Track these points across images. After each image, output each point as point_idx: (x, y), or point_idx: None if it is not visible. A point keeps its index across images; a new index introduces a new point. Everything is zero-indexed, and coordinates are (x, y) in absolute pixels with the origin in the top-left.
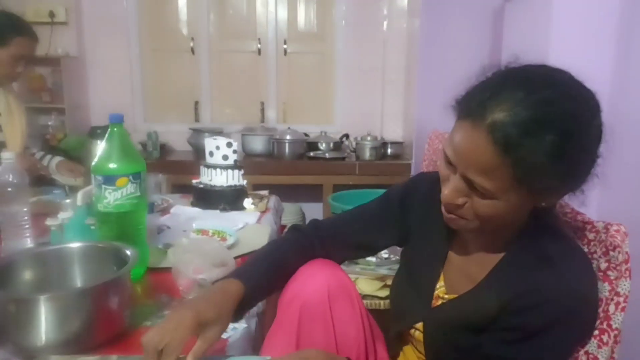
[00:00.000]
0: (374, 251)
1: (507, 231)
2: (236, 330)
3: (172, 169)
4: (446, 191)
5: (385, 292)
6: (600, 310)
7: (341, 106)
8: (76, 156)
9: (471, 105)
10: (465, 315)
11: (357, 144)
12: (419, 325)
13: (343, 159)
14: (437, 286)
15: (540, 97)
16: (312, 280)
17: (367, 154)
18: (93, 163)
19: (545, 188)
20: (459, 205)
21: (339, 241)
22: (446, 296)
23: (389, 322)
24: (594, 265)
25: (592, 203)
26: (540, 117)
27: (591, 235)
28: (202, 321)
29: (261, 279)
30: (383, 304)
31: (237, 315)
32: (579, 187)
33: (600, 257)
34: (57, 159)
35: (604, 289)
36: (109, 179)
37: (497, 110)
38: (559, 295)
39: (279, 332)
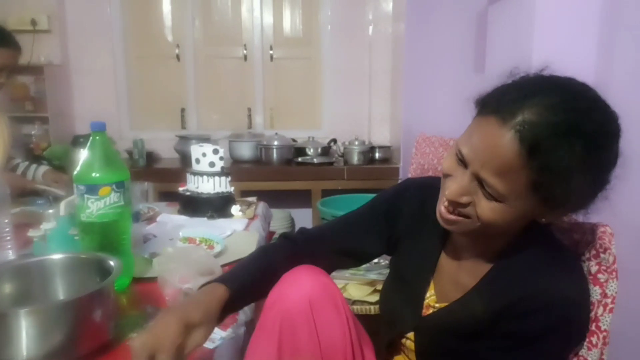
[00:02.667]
0: (363, 259)
1: (500, 240)
2: (223, 339)
3: (159, 176)
4: (452, 187)
5: (375, 297)
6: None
7: (328, 111)
8: (60, 165)
9: (501, 102)
10: (456, 323)
11: (345, 148)
12: (410, 334)
13: (331, 164)
14: (428, 295)
15: (576, 105)
16: (294, 287)
17: (355, 159)
18: (75, 172)
19: (557, 201)
20: (461, 204)
21: (327, 249)
22: (437, 305)
23: (380, 328)
24: (584, 269)
25: None
26: (573, 124)
27: (577, 237)
28: (189, 324)
29: (246, 283)
30: (373, 309)
31: (220, 318)
32: (584, 206)
33: (589, 259)
34: (43, 168)
35: (595, 292)
36: (92, 189)
37: (530, 111)
38: (552, 303)
39: (261, 339)
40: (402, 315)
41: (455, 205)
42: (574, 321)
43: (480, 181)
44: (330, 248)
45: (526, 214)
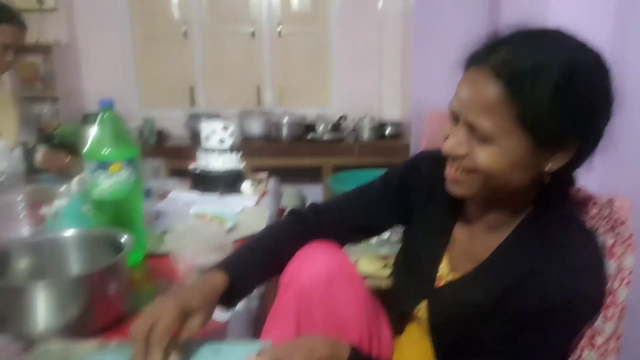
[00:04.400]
0: (375, 233)
1: (513, 204)
2: (236, 313)
3: (170, 154)
4: (448, 142)
5: (387, 272)
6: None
7: (338, 87)
8: (72, 145)
9: (478, 52)
10: (468, 296)
11: (355, 125)
12: (423, 305)
13: (342, 140)
14: (441, 267)
15: (549, 42)
16: (310, 263)
17: (365, 135)
18: (85, 149)
19: (549, 138)
20: (460, 157)
21: (339, 224)
22: (450, 277)
23: (392, 302)
24: (600, 242)
25: (594, 175)
26: (547, 58)
27: (594, 211)
28: (186, 309)
29: (248, 268)
30: (385, 284)
31: (229, 305)
32: (586, 149)
33: (605, 233)
34: (42, 150)
35: (611, 266)
36: (103, 165)
37: (505, 50)
38: (564, 278)
39: (278, 316)
40: (415, 287)
41: (455, 160)
42: (587, 296)
43: (471, 128)
44: (342, 223)
45: (524, 159)
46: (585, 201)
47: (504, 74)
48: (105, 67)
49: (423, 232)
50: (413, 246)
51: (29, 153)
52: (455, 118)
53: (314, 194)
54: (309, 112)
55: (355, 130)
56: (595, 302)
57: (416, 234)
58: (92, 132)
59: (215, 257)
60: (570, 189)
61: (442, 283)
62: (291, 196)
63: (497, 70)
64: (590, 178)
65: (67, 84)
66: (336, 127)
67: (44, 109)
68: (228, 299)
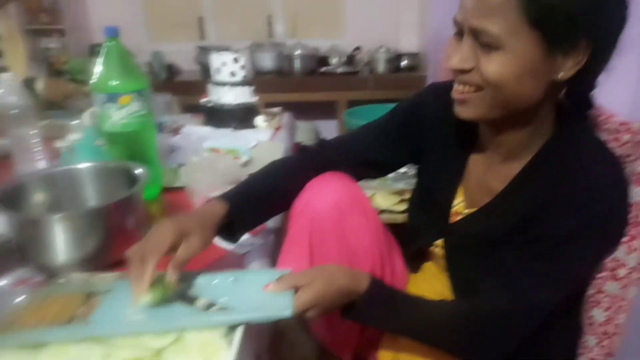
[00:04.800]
0: (387, 170)
1: (528, 126)
2: (253, 245)
3: (181, 89)
4: (454, 56)
5: (402, 207)
6: (631, 215)
7: (353, 17)
8: (82, 79)
9: None
10: (485, 228)
11: (370, 57)
12: (439, 241)
13: (356, 73)
14: (456, 202)
15: None
16: (322, 192)
17: (381, 67)
18: (93, 81)
19: (560, 36)
20: (466, 71)
21: (348, 159)
22: (465, 211)
23: (408, 238)
24: (628, 170)
25: (625, 102)
26: None
27: (626, 137)
28: (183, 229)
29: (251, 199)
30: (400, 218)
31: (231, 237)
32: (599, 54)
33: (635, 160)
34: (41, 79)
35: (637, 193)
36: (112, 97)
37: None
38: (583, 203)
39: (292, 245)
40: (430, 223)
41: (460, 75)
42: (608, 221)
43: (476, 36)
44: (352, 158)
45: (534, 64)
46: (618, 128)
47: None
48: None
49: (435, 168)
50: (427, 182)
51: (29, 83)
52: (460, 31)
53: (329, 129)
54: (322, 43)
55: (370, 62)
56: (617, 228)
57: (429, 170)
58: (99, 62)
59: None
60: (590, 112)
61: (458, 218)
62: (305, 131)
63: None
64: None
65: (73, 16)
66: (350, 59)
67: (51, 43)
68: (230, 231)
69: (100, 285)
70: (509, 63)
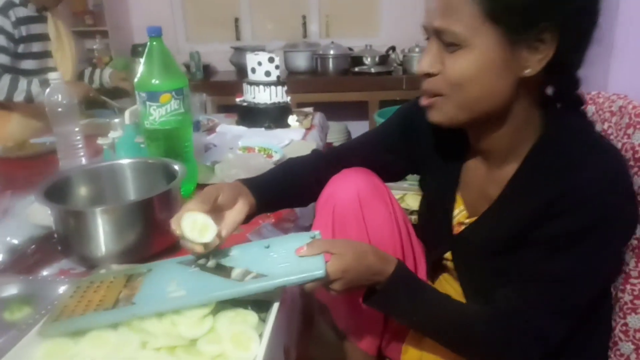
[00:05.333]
0: (393, 177)
1: (514, 134)
2: None
3: (216, 89)
4: (420, 61)
5: None
6: None
7: (387, 17)
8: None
9: None
10: (488, 237)
11: (404, 56)
12: (448, 254)
13: (389, 73)
14: (457, 211)
15: None
16: (344, 185)
17: (414, 67)
18: (136, 80)
19: (522, 27)
20: (432, 76)
21: (354, 164)
22: (467, 220)
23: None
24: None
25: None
26: None
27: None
28: (209, 191)
29: (269, 186)
30: None
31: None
32: (568, 44)
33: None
34: (107, 71)
35: None
36: (153, 96)
37: None
38: (585, 199)
39: None
40: (436, 236)
41: (426, 80)
42: (615, 215)
43: (439, 36)
44: (356, 163)
45: (499, 60)
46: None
47: None
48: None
49: (432, 178)
50: (427, 195)
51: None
52: (427, 34)
53: (360, 129)
54: (356, 43)
55: (404, 62)
56: (626, 219)
57: (427, 181)
58: (141, 62)
59: None
60: (579, 106)
61: (461, 229)
62: (336, 132)
63: None
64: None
65: (116, 17)
66: (384, 59)
67: (95, 44)
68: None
69: (140, 266)
70: (473, 61)
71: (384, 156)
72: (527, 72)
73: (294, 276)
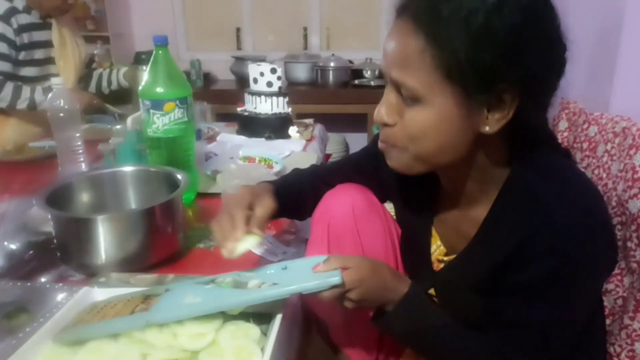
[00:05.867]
0: (379, 197)
1: (481, 178)
2: (286, 254)
3: (216, 98)
4: (378, 109)
5: None
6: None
7: (387, 31)
8: (125, 86)
9: (401, 1)
10: (467, 276)
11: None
12: (432, 290)
13: None
14: (434, 247)
15: None
16: (339, 199)
17: None
18: (140, 88)
19: (479, 86)
20: (389, 126)
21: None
22: (446, 258)
23: None
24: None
25: None
26: None
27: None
28: (254, 191)
29: (291, 191)
30: None
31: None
32: (530, 102)
33: None
34: (122, 69)
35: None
36: (157, 104)
37: None
38: (560, 242)
39: (313, 250)
40: (417, 271)
41: (382, 128)
42: (589, 256)
43: (397, 87)
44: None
45: (456, 118)
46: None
47: (423, 20)
48: (154, 8)
49: (407, 215)
50: (404, 229)
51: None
52: (385, 78)
53: (358, 142)
54: (356, 56)
55: None
56: (603, 253)
57: (403, 215)
58: (146, 70)
59: None
60: (546, 140)
61: (441, 266)
62: (335, 143)
63: (417, 18)
64: None
65: (117, 24)
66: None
67: (96, 49)
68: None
69: (158, 287)
70: (430, 117)
71: (361, 180)
72: (486, 129)
73: (310, 282)
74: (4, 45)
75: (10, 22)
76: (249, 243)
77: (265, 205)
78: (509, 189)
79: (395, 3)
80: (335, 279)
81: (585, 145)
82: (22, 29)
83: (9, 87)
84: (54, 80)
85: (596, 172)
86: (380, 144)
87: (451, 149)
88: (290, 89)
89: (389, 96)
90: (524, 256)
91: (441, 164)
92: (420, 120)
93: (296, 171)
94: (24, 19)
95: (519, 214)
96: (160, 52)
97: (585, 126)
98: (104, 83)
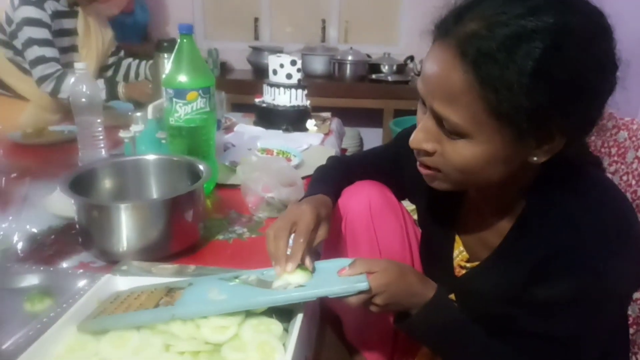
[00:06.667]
0: (398, 195)
1: (511, 189)
2: None
3: (232, 87)
4: (415, 134)
5: None
6: None
7: (407, 25)
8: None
9: (445, 21)
10: (489, 285)
11: (422, 67)
12: (452, 295)
13: (406, 82)
14: (456, 252)
15: (527, 4)
16: (356, 197)
17: None
18: (164, 76)
19: (532, 130)
20: (428, 153)
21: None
22: (468, 265)
23: None
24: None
25: None
26: (522, 27)
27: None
28: (319, 215)
29: (337, 194)
30: None
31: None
32: (579, 131)
33: None
34: (150, 61)
35: None
36: (180, 93)
37: (472, 22)
38: (582, 260)
39: (329, 249)
40: (438, 276)
41: (422, 155)
42: (614, 277)
43: (438, 118)
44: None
45: (503, 155)
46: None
47: (471, 53)
48: None
49: (430, 218)
50: (426, 233)
51: (112, 85)
52: (424, 102)
53: (373, 137)
54: (374, 50)
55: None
56: (630, 274)
57: (424, 219)
58: (165, 57)
59: (286, 192)
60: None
61: (462, 272)
62: (350, 138)
63: (463, 46)
64: None
65: None
66: (401, 68)
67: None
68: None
69: (181, 280)
70: (475, 152)
71: (380, 178)
72: (534, 160)
73: (337, 287)
74: (46, 31)
75: (44, 7)
76: (297, 279)
77: (322, 235)
78: (536, 202)
79: (434, 21)
80: (362, 284)
81: (614, 151)
82: (54, 15)
83: (69, 77)
84: (77, 66)
85: (624, 178)
86: (422, 169)
87: (498, 178)
88: (307, 82)
89: (428, 124)
90: (550, 271)
91: (484, 187)
92: (467, 156)
93: (326, 170)
94: (54, 5)
95: (546, 227)
96: (185, 40)
97: (614, 131)
98: (132, 74)
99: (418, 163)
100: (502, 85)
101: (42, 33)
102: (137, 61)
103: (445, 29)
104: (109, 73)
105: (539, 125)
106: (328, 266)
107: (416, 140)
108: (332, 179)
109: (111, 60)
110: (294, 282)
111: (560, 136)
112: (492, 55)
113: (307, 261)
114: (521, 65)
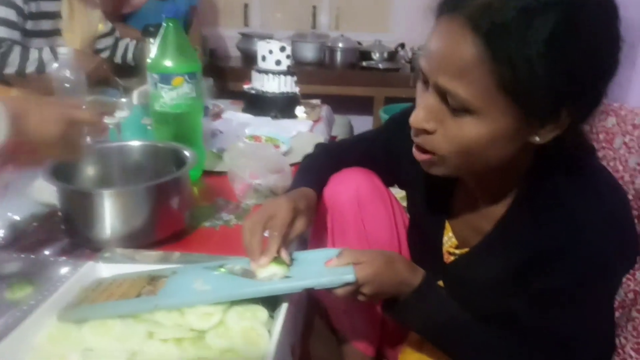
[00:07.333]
0: (386, 182)
1: (507, 175)
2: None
3: (221, 74)
4: (415, 112)
5: None
6: None
7: (398, 13)
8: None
9: None
10: (481, 272)
11: (413, 54)
12: (441, 282)
13: (397, 70)
14: (445, 238)
15: None
16: (343, 185)
17: None
18: (149, 60)
19: (540, 109)
20: (428, 133)
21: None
22: (457, 251)
23: None
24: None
25: None
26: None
27: None
28: (296, 208)
29: (323, 184)
30: None
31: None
32: (585, 109)
33: None
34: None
35: None
36: (165, 78)
37: None
38: (579, 249)
39: (316, 237)
40: (426, 262)
41: (421, 135)
42: (614, 258)
43: (442, 94)
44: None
45: (507, 133)
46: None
47: (483, 26)
48: None
49: (420, 203)
50: (415, 219)
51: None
52: (425, 80)
53: (363, 124)
54: (365, 38)
55: (413, 60)
56: (628, 233)
57: (414, 204)
58: (152, 42)
59: (273, 179)
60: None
61: (451, 258)
62: (340, 126)
63: (474, 20)
64: None
65: None
66: (392, 55)
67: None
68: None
69: (165, 268)
70: (482, 130)
71: (369, 164)
72: (536, 140)
73: (324, 278)
74: (12, 12)
75: None
76: (273, 273)
77: (300, 228)
78: (531, 188)
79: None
80: (349, 276)
81: (601, 137)
82: None
83: (17, 50)
84: (61, 50)
85: (612, 164)
86: (417, 153)
87: (498, 160)
88: (297, 69)
89: (429, 100)
90: (547, 261)
91: (482, 171)
92: (471, 133)
93: (313, 160)
94: None
95: (540, 214)
96: (170, 24)
97: (602, 117)
98: (129, 55)
99: (414, 148)
100: (517, 58)
101: (6, 13)
102: (134, 42)
103: (453, 3)
104: (106, 54)
105: (550, 101)
106: (315, 256)
107: (417, 119)
108: (317, 169)
109: (105, 41)
110: (267, 274)
111: (566, 115)
112: (507, 27)
113: (284, 254)
114: (537, 38)
